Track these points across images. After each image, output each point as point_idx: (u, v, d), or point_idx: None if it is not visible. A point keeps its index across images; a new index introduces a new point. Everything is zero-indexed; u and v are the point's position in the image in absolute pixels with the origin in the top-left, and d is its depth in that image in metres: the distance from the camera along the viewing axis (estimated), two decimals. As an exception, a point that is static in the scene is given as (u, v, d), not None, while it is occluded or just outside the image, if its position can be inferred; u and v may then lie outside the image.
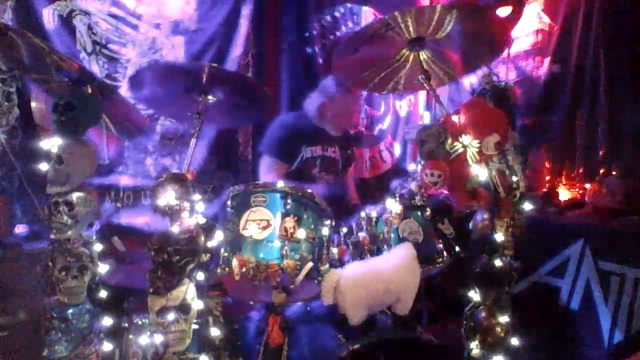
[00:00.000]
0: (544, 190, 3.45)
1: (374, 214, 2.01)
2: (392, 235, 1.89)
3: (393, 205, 1.88)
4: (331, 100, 2.84)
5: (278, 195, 1.70)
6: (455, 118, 1.86)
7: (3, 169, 2.72)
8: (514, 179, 1.79)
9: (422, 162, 1.84)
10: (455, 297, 1.99)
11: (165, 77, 1.94)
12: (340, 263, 1.84)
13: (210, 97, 1.93)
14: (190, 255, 1.50)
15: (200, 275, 1.59)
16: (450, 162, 1.82)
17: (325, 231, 1.74)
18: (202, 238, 1.55)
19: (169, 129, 3.47)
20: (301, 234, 1.66)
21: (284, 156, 2.82)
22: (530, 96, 3.73)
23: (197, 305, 1.55)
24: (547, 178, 3.55)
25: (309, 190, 1.76)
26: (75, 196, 1.62)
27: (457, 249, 1.88)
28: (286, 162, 2.82)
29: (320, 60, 4.19)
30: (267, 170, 2.82)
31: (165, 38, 3.44)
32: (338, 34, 4.32)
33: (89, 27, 3.09)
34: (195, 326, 1.56)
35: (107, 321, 1.71)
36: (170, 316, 1.48)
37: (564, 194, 3.30)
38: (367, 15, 4.52)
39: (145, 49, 3.35)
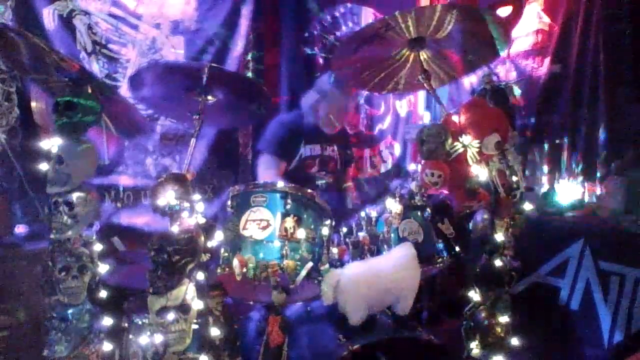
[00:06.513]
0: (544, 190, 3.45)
1: (374, 214, 2.02)
2: (392, 235, 1.89)
3: (393, 205, 1.88)
4: (324, 96, 2.84)
5: (278, 195, 1.70)
6: (455, 118, 1.85)
7: (3, 169, 2.72)
8: (514, 179, 1.79)
9: (422, 162, 1.84)
10: (455, 297, 1.99)
11: (165, 77, 1.93)
12: (340, 263, 1.84)
13: (210, 97, 1.93)
14: (190, 255, 1.50)
15: (200, 275, 1.59)
16: (450, 162, 1.82)
17: (325, 231, 1.74)
18: (202, 238, 1.55)
19: (169, 129, 3.47)
20: (301, 234, 1.66)
21: (283, 154, 2.82)
22: (530, 96, 3.73)
23: (197, 305, 1.55)
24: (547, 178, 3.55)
25: (309, 190, 1.76)
26: (75, 196, 1.62)
27: (457, 249, 1.88)
28: (285, 161, 2.82)
29: (320, 60, 4.19)
30: (266, 169, 2.82)
31: (165, 38, 3.44)
32: (338, 34, 4.32)
33: (89, 27, 3.09)
34: (195, 326, 1.56)
35: (107, 321, 1.71)
36: (170, 316, 1.48)
37: (564, 193, 3.29)
38: (367, 15, 4.52)
39: (145, 49, 3.35)
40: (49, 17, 2.93)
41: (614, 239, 2.72)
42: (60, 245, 1.62)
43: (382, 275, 1.73)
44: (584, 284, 2.75)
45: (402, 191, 1.91)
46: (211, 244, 1.62)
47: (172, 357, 1.51)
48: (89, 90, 1.66)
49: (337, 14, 4.35)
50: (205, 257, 1.59)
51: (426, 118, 4.81)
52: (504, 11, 3.69)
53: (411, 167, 2.04)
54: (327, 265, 1.71)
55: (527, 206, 1.85)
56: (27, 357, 2.31)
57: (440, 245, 1.86)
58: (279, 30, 4.03)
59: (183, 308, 1.50)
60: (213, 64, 1.86)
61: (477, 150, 1.80)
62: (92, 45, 3.11)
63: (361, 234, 1.98)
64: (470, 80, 3.98)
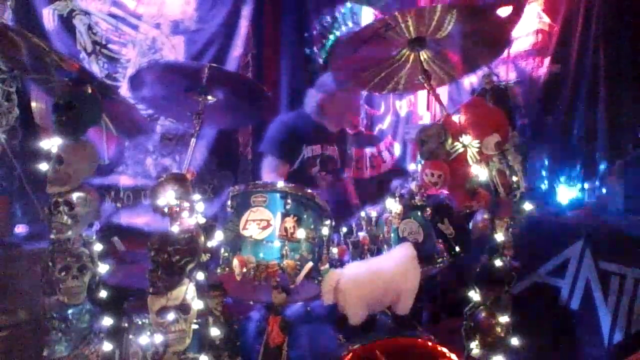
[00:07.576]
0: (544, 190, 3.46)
1: (374, 214, 2.01)
2: (392, 235, 1.89)
3: (393, 205, 1.88)
4: (331, 95, 2.84)
5: (278, 195, 1.70)
6: (455, 118, 1.85)
7: (3, 169, 2.72)
8: (514, 179, 1.79)
9: (422, 162, 1.84)
10: (455, 297, 1.98)
11: (165, 77, 1.93)
12: (340, 263, 1.84)
13: (210, 97, 1.93)
14: (190, 255, 1.50)
15: (200, 275, 1.59)
16: (450, 162, 1.82)
17: (325, 231, 1.74)
18: (202, 238, 1.55)
19: (169, 129, 3.47)
20: (301, 234, 1.66)
21: (286, 156, 2.82)
22: (530, 96, 3.73)
23: (197, 305, 1.55)
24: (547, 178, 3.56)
25: (309, 190, 1.76)
26: (75, 196, 1.62)
27: (457, 249, 1.88)
28: (288, 162, 2.83)
29: (320, 60, 4.19)
30: (270, 171, 2.82)
31: (165, 38, 3.43)
32: (338, 34, 4.32)
33: (89, 27, 3.09)
34: (195, 326, 1.56)
35: (107, 321, 1.71)
36: (170, 316, 1.48)
37: (564, 193, 3.30)
38: (367, 15, 4.53)
39: (145, 49, 3.35)
40: (49, 17, 2.93)
41: (614, 239, 2.72)
42: (60, 245, 1.62)
43: (382, 275, 1.73)
44: (584, 284, 2.75)
45: (402, 191, 1.91)
46: (211, 244, 1.62)
47: (172, 357, 1.51)
48: (89, 90, 1.66)
49: (337, 14, 4.35)
50: (205, 257, 1.58)
51: (426, 118, 4.81)
52: (504, 11, 3.69)
53: (411, 167, 2.03)
54: (327, 265, 1.71)
55: (527, 206, 1.85)
56: (27, 357, 2.31)
57: (440, 245, 1.86)
58: (279, 30, 4.02)
59: (183, 308, 1.50)
60: (213, 64, 1.86)
61: (477, 150, 1.80)
62: (92, 45, 3.11)
63: (361, 234, 1.97)
64: (470, 80, 3.99)
